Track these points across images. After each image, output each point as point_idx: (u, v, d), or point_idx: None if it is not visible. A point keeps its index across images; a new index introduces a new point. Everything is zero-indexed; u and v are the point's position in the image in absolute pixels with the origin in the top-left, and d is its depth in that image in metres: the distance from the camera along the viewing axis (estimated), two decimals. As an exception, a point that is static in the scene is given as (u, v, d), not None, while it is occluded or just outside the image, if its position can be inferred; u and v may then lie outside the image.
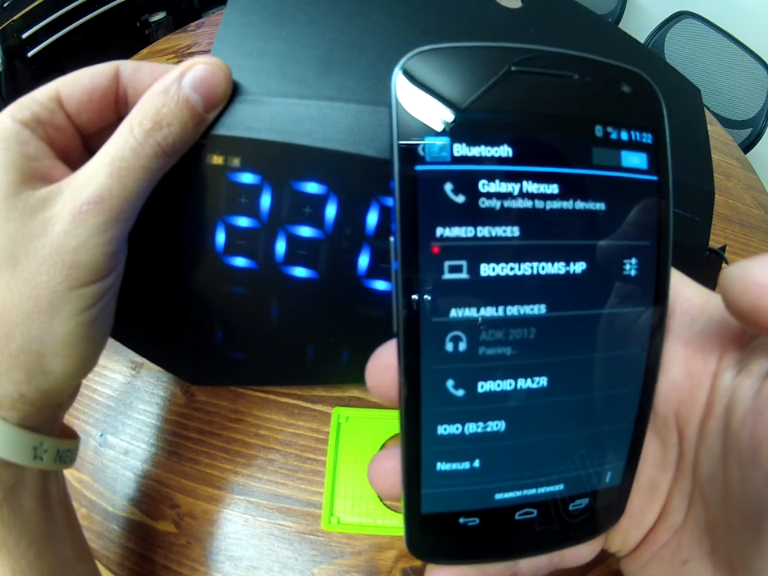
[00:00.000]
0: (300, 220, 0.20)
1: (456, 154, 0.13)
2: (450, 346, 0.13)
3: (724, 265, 0.29)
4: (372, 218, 0.20)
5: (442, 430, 0.13)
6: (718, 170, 0.45)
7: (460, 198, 0.13)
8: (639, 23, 1.36)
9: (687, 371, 0.14)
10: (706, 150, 0.26)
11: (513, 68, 0.13)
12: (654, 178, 0.14)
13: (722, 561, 0.14)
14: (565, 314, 0.13)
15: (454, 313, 0.13)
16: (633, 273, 0.14)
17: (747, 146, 0.99)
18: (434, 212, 0.12)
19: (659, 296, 0.14)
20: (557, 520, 0.14)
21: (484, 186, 0.13)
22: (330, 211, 0.20)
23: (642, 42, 0.73)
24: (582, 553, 0.16)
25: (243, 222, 0.20)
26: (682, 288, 0.15)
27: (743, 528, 0.12)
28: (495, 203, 0.13)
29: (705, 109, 0.30)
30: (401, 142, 0.12)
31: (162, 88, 0.17)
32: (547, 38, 0.25)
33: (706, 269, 0.27)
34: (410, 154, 0.12)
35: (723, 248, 0.29)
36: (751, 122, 1.01)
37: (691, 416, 0.14)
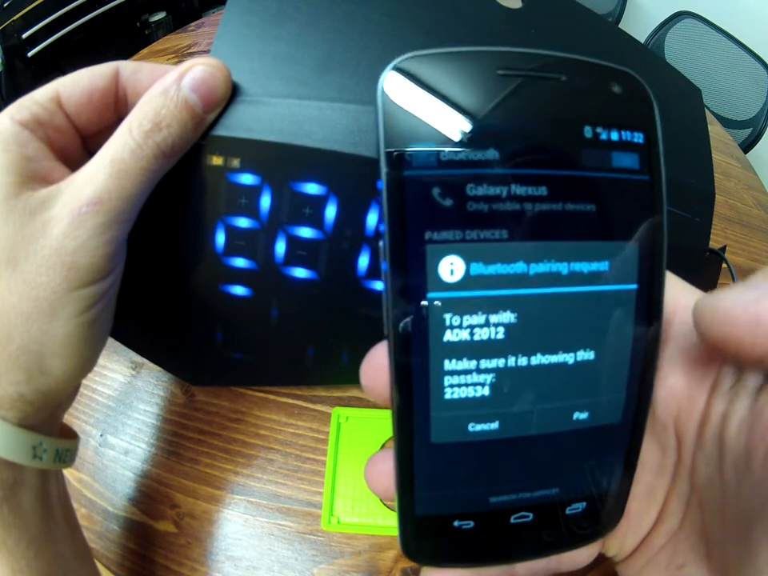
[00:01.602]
0: (300, 221, 0.20)
1: (443, 158, 0.13)
2: (441, 348, 0.13)
3: (724, 265, 0.29)
4: (372, 219, 0.20)
5: (434, 432, 0.13)
6: (718, 170, 0.45)
7: (448, 202, 0.12)
8: (639, 23, 1.36)
9: (686, 378, 0.14)
10: (706, 150, 0.26)
11: (499, 71, 0.13)
12: (647, 177, 0.14)
13: (717, 566, 0.14)
14: (557, 317, 0.13)
15: (444, 315, 0.13)
16: (627, 275, 0.14)
17: (747, 146, 0.99)
18: (422, 217, 0.12)
19: (654, 298, 0.14)
20: (553, 524, 0.14)
21: (472, 189, 0.13)
22: (330, 212, 0.20)
23: (642, 42, 0.73)
24: (579, 557, 0.16)
25: (243, 222, 0.20)
26: (682, 296, 0.15)
27: (737, 534, 0.12)
28: (483, 207, 0.13)
29: (705, 109, 0.29)
30: (388, 149, 0.12)
31: (162, 89, 0.17)
32: (547, 39, 0.25)
33: (706, 269, 0.27)
34: (398, 160, 0.12)
35: (723, 248, 0.29)
36: (751, 121, 1.01)
37: (689, 422, 0.14)
